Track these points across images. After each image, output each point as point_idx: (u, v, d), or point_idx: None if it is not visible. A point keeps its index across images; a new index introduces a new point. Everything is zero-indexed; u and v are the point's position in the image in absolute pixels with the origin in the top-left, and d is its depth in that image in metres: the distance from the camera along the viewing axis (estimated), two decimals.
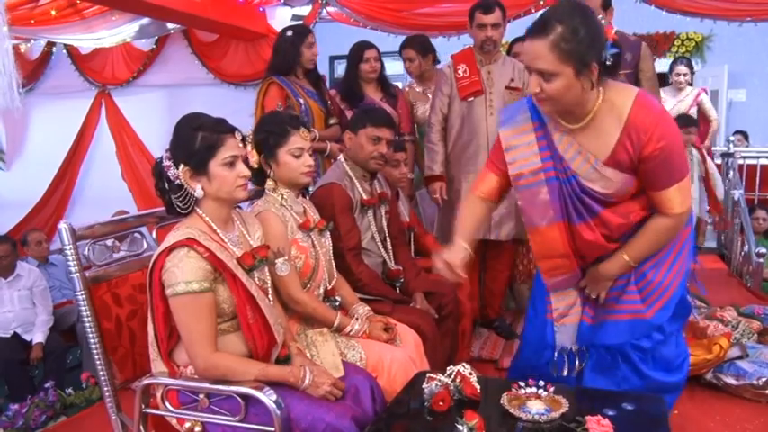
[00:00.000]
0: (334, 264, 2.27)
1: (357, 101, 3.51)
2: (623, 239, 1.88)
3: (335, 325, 2.11)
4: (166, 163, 1.66)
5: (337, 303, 2.22)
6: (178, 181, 1.66)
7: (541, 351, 2.01)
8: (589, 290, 1.94)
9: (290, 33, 3.34)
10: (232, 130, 1.70)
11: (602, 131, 1.74)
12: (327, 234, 2.25)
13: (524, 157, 1.85)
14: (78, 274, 1.73)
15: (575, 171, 1.80)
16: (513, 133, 1.87)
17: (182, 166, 1.65)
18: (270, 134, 2.08)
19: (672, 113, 4.35)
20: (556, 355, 1.96)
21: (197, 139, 1.64)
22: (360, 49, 3.57)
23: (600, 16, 2.83)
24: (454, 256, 1.83)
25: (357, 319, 2.17)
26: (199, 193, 1.67)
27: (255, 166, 2.09)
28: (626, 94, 1.73)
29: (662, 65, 7.67)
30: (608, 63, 1.66)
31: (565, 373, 1.94)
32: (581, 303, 1.96)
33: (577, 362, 1.94)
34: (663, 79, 4.53)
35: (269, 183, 2.13)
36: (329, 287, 2.22)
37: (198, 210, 1.71)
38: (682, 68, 5.25)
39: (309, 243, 2.14)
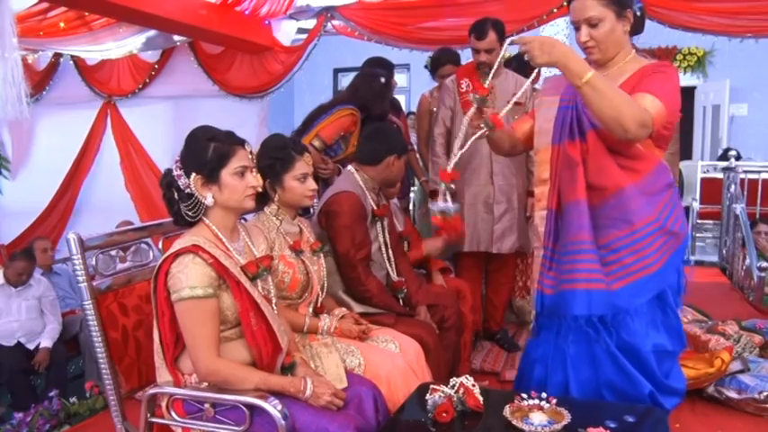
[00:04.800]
0: (326, 284, 2.28)
1: (383, 116, 3.45)
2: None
3: (306, 328, 2.15)
4: (177, 172, 1.71)
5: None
6: (188, 190, 1.71)
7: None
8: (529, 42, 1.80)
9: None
10: (242, 141, 1.77)
11: (617, 78, 1.93)
12: (321, 255, 2.25)
13: (554, 88, 2.06)
14: (86, 283, 1.75)
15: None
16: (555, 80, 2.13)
17: (193, 174, 1.69)
18: (276, 160, 2.12)
19: None
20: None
21: (210, 148, 1.70)
22: (391, 66, 3.59)
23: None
24: None
25: (327, 315, 2.20)
26: (209, 201, 1.71)
27: (261, 190, 2.12)
28: (641, 60, 1.98)
29: None
30: (638, 14, 1.94)
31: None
32: (540, 272, 2.01)
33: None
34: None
35: (272, 206, 2.18)
36: (318, 305, 2.24)
37: (205, 219, 1.75)
38: None
39: (299, 260, 2.16)
